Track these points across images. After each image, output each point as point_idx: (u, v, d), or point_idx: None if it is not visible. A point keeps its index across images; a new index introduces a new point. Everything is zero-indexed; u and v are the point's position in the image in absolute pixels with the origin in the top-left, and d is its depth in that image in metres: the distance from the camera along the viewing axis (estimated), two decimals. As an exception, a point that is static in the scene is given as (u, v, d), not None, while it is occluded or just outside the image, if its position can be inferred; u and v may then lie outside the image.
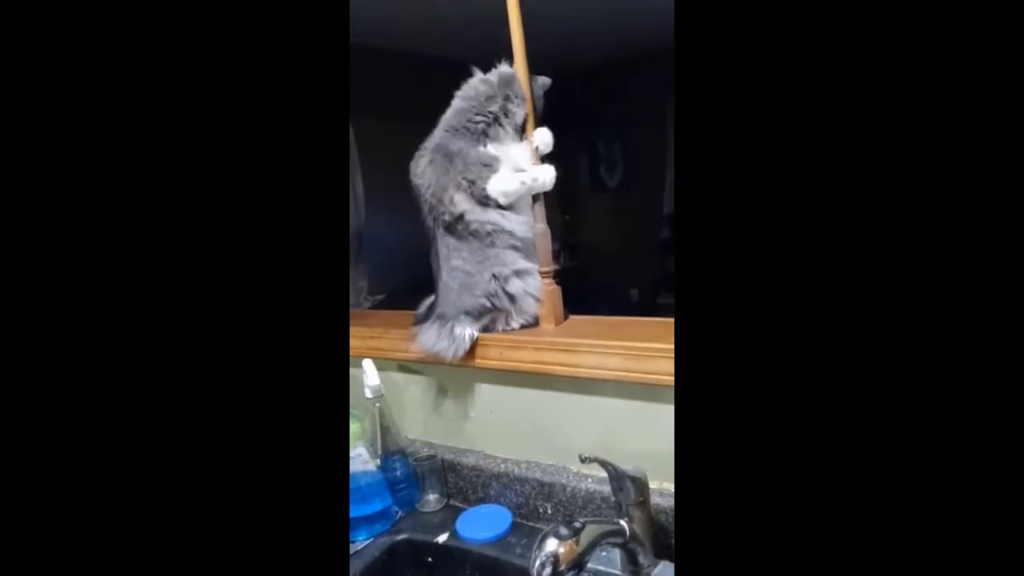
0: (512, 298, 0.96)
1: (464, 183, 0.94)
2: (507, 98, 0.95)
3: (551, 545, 0.65)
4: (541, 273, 0.98)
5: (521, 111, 0.96)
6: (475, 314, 0.97)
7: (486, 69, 0.99)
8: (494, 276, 0.95)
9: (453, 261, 0.97)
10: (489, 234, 0.95)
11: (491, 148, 0.95)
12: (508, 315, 0.98)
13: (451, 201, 0.95)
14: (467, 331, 0.97)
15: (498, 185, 0.93)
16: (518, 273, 0.96)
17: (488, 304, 0.96)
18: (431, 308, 1.04)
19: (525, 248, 0.97)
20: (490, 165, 0.94)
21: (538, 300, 0.98)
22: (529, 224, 0.97)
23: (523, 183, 0.94)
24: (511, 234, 0.95)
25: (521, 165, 0.96)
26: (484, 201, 0.94)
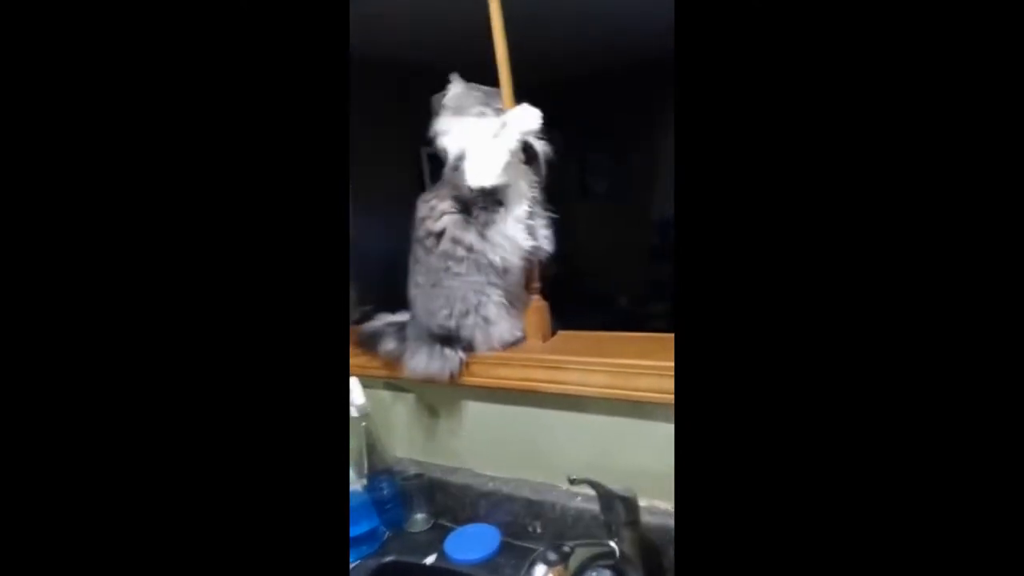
0: (465, 330, 0.95)
1: (452, 189, 0.93)
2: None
3: (540, 571, 0.65)
4: (529, 289, 0.97)
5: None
6: (442, 339, 0.96)
7: (477, 77, 0.98)
8: (449, 307, 0.94)
9: (415, 276, 0.97)
10: (455, 259, 0.92)
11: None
12: (470, 342, 0.96)
13: (431, 214, 0.94)
14: (458, 352, 0.95)
15: (477, 167, 0.89)
16: (476, 309, 0.94)
17: (444, 328, 0.95)
18: (402, 328, 1.03)
19: (491, 279, 0.94)
20: (461, 157, 0.91)
21: (501, 338, 0.96)
22: (516, 238, 0.93)
23: (503, 147, 0.88)
24: (479, 267, 0.93)
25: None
26: (471, 203, 0.91)
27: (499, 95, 0.94)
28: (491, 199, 0.91)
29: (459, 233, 0.92)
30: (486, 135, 0.90)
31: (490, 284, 0.94)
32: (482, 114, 0.94)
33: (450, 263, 0.93)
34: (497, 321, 0.95)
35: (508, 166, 0.89)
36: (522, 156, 0.92)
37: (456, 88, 0.95)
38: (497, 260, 0.93)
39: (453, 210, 0.93)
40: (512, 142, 0.88)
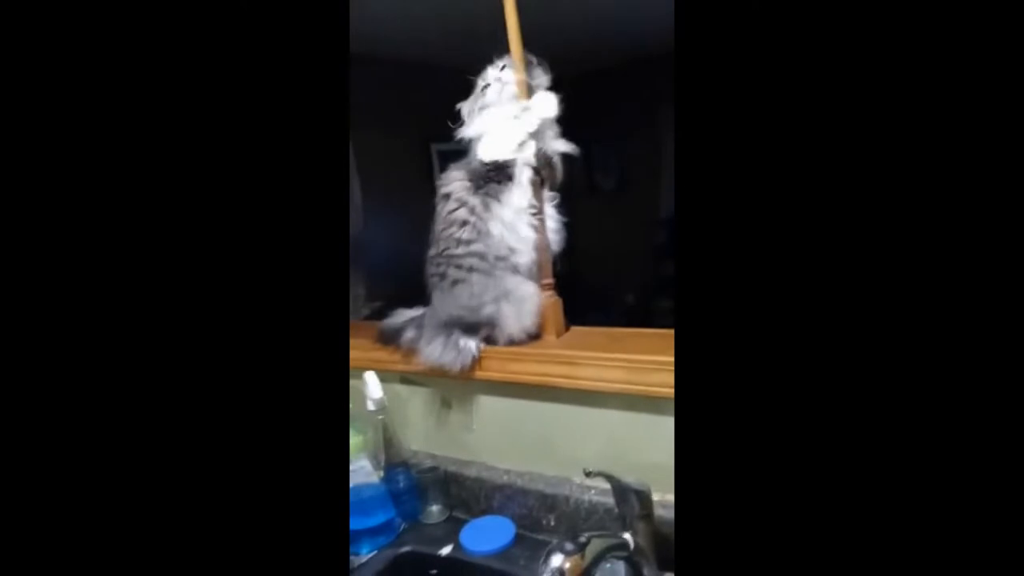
0: (488, 321, 0.97)
1: (464, 166, 0.96)
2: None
3: (557, 560, 0.66)
4: (542, 285, 0.99)
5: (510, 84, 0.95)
6: (463, 327, 0.98)
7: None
8: (470, 299, 0.96)
9: (434, 260, 1.00)
10: (461, 223, 0.95)
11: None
12: (491, 330, 0.98)
13: (445, 181, 0.98)
14: (471, 342, 0.97)
15: (491, 143, 0.93)
16: (495, 300, 0.96)
17: (465, 318, 0.97)
18: (421, 318, 1.05)
19: (503, 263, 0.96)
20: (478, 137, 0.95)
21: (525, 316, 0.98)
22: (519, 227, 0.96)
23: (523, 128, 0.92)
24: (481, 234, 0.95)
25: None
26: (480, 175, 0.95)
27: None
28: (500, 172, 0.95)
29: (465, 196, 0.96)
30: (506, 116, 0.94)
31: (510, 268, 0.96)
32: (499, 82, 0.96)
33: (455, 229, 0.96)
34: (520, 316, 0.97)
35: (521, 147, 0.94)
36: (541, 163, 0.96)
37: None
38: (505, 245, 0.95)
39: (462, 179, 0.98)
40: (533, 125, 0.93)
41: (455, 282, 0.97)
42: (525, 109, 0.93)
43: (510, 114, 0.94)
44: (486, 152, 0.94)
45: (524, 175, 0.95)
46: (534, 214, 0.97)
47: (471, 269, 0.96)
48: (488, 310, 0.96)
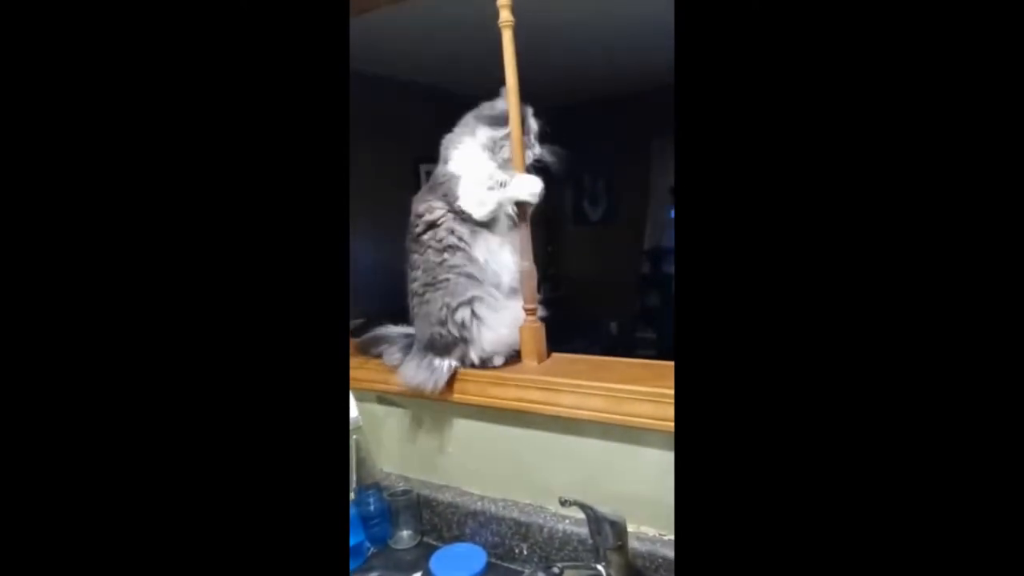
0: (463, 327, 0.95)
1: (445, 198, 0.96)
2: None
3: (529, 591, 0.64)
4: (526, 310, 0.98)
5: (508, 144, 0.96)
6: (438, 347, 0.97)
7: (475, 97, 1.00)
8: (445, 304, 0.95)
9: (412, 284, 0.98)
10: (450, 247, 0.95)
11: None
12: (466, 346, 0.97)
13: (428, 209, 0.96)
14: (445, 362, 0.96)
15: (470, 200, 0.94)
16: (470, 302, 0.95)
17: (440, 334, 0.96)
18: (406, 338, 1.04)
19: (484, 277, 0.97)
20: (457, 177, 0.95)
21: (499, 333, 0.97)
22: (501, 254, 0.97)
23: (494, 200, 0.94)
24: (470, 260, 0.95)
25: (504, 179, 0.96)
26: (462, 215, 0.95)
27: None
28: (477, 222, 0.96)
29: (453, 225, 0.96)
30: (484, 177, 0.94)
31: (486, 283, 0.96)
32: (492, 143, 0.96)
33: (446, 255, 0.95)
34: (495, 326, 0.96)
35: (497, 209, 0.95)
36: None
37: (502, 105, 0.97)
38: (491, 268, 0.96)
39: (444, 208, 0.96)
40: (505, 200, 0.95)
41: (434, 300, 0.96)
42: (502, 185, 0.94)
43: (487, 176, 0.95)
44: (466, 205, 0.94)
45: (503, 223, 0.97)
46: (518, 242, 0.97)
47: (452, 283, 0.95)
48: (462, 313, 0.95)
